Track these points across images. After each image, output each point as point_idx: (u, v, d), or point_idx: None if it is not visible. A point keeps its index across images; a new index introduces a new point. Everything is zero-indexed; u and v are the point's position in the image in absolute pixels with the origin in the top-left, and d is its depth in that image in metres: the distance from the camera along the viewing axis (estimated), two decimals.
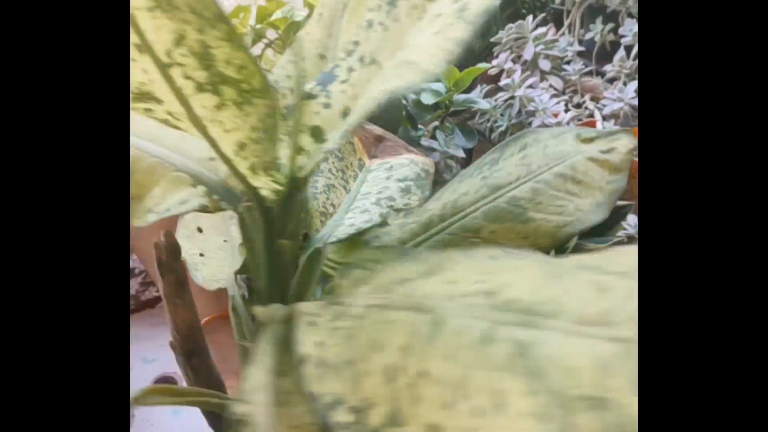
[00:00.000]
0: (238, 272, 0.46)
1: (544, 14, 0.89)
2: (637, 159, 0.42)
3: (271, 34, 0.86)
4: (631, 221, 0.56)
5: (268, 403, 0.32)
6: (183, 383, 0.50)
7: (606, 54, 0.83)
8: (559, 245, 0.38)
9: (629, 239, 0.55)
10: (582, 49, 0.84)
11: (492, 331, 0.24)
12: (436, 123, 0.74)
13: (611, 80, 0.80)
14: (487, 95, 0.80)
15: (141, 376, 0.82)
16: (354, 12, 0.36)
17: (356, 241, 0.42)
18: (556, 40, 0.81)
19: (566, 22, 0.86)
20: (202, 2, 0.26)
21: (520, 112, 0.76)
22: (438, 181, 0.60)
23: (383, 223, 0.42)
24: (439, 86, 0.72)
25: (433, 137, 0.71)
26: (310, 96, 0.35)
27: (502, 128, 0.76)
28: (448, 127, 0.74)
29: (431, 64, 0.29)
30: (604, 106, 0.74)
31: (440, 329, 0.25)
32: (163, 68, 0.30)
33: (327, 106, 0.35)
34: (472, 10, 0.29)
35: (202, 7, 0.26)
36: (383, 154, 0.50)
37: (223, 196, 0.38)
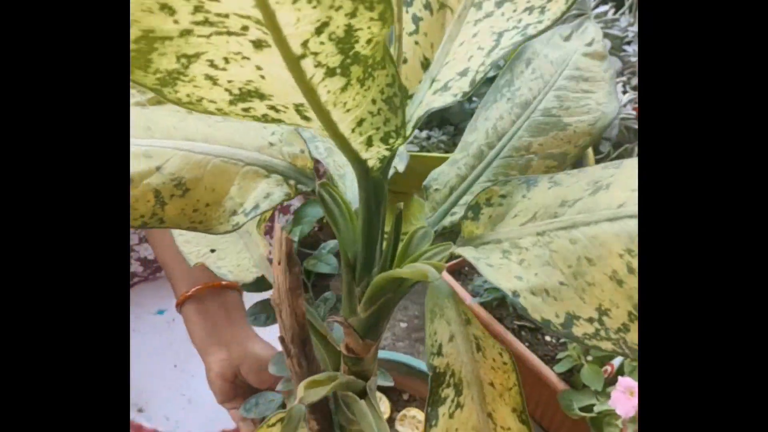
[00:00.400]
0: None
1: None
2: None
3: None
4: None
5: (466, 351, 0.33)
6: None
7: None
8: (595, 141, 0.43)
9: None
10: None
11: None
12: None
13: None
14: None
15: None
16: None
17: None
18: (616, 20, 0.82)
19: (627, 3, 0.87)
20: None
21: None
22: None
23: None
24: None
25: None
26: None
27: None
28: None
29: None
30: None
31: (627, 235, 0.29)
32: (293, 60, 0.28)
33: (404, 61, 0.35)
34: None
35: None
36: None
37: (298, 179, 0.38)
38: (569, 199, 0.32)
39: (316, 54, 0.28)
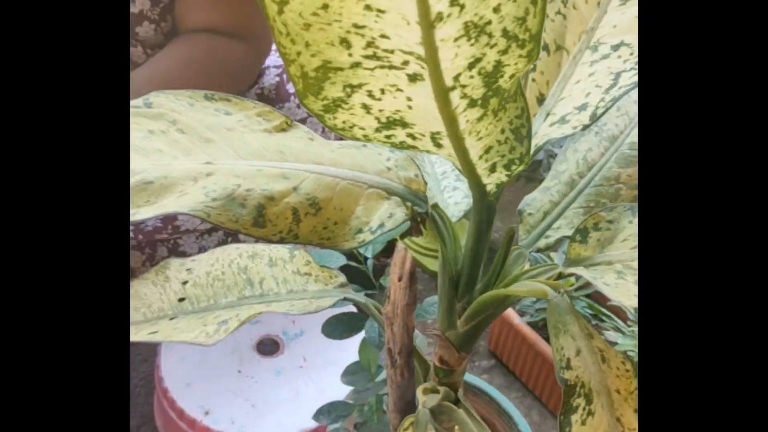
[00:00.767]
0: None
1: None
2: None
3: None
4: None
5: (593, 363, 0.36)
6: None
7: None
8: None
9: None
10: None
11: None
12: None
13: None
14: None
15: None
16: None
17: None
18: None
19: None
20: (523, 27, 0.29)
21: None
22: None
23: None
24: None
25: None
26: None
27: None
28: None
29: None
30: None
31: None
32: (443, 92, 0.31)
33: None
34: None
35: (522, 31, 0.29)
36: None
37: (413, 201, 0.41)
38: None
39: (464, 87, 0.31)
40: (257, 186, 0.37)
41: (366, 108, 0.33)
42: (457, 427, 0.45)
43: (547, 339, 0.92)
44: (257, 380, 0.79)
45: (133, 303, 0.53)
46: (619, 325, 0.88)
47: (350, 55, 0.30)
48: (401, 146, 0.36)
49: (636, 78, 0.35)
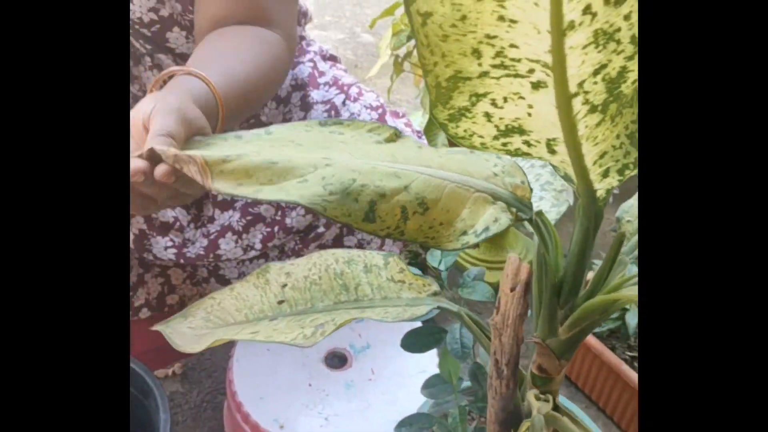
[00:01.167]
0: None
1: None
2: None
3: None
4: None
5: None
6: None
7: None
8: None
9: None
10: None
11: None
12: None
13: None
14: None
15: None
16: None
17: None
18: None
19: None
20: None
21: None
22: None
23: None
24: None
25: None
26: None
27: None
28: None
29: None
30: None
31: None
32: (567, 99, 0.32)
33: None
34: None
35: None
36: None
37: (518, 207, 0.41)
38: None
39: (587, 93, 0.32)
40: (371, 182, 0.38)
41: (488, 116, 0.33)
42: None
43: (612, 349, 0.91)
44: (328, 393, 0.80)
45: (235, 304, 0.54)
46: None
47: (479, 64, 0.31)
48: (515, 153, 0.36)
49: None
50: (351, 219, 0.37)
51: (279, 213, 0.81)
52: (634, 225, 0.46)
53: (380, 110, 0.82)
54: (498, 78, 0.32)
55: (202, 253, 0.81)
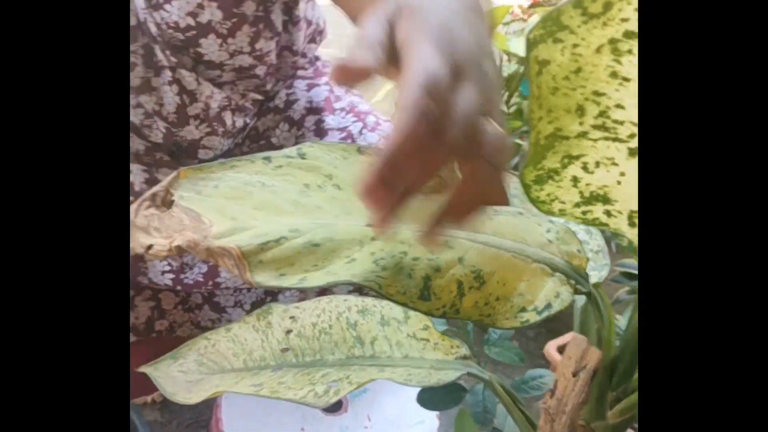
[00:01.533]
0: None
1: None
2: None
3: None
4: None
5: None
6: None
7: None
8: None
9: None
10: None
11: None
12: None
13: None
14: None
15: None
16: None
17: None
18: None
19: None
20: None
21: None
22: None
23: None
24: None
25: None
26: None
27: None
28: None
29: None
30: None
31: None
32: None
33: None
34: None
35: None
36: None
37: (576, 280, 0.37)
38: None
39: None
40: (423, 254, 0.33)
41: (575, 181, 0.29)
42: None
43: None
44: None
45: (232, 347, 0.50)
46: None
47: (581, 123, 0.27)
48: (591, 222, 0.32)
49: None
50: (407, 297, 0.32)
51: None
52: None
53: None
54: (595, 140, 0.28)
55: (201, 280, 0.76)
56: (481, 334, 0.63)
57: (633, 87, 0.25)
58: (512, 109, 1.19)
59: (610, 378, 0.39)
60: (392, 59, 0.28)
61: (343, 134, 0.78)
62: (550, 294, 0.35)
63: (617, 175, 0.29)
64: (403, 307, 0.48)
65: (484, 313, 0.35)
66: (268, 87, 0.75)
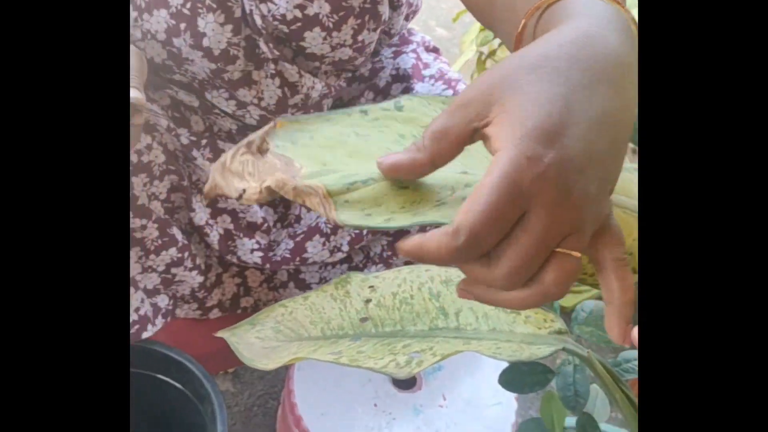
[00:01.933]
0: None
1: None
2: None
3: None
4: None
5: None
6: None
7: None
8: None
9: None
10: None
11: None
12: None
13: None
14: None
15: None
16: None
17: None
18: None
19: None
20: None
21: None
22: None
23: None
24: None
25: None
26: None
27: None
28: None
29: None
30: None
31: None
32: None
33: None
34: None
35: None
36: None
37: None
38: None
39: None
40: None
41: None
42: None
43: None
44: (395, 417, 0.72)
45: (310, 316, 0.48)
46: None
47: None
48: None
49: None
50: None
51: None
52: None
53: None
54: None
55: (288, 256, 0.76)
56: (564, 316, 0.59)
57: None
58: None
59: None
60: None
61: (415, 54, 0.77)
62: None
63: None
64: None
65: (587, 272, 0.32)
66: (358, 63, 0.73)
